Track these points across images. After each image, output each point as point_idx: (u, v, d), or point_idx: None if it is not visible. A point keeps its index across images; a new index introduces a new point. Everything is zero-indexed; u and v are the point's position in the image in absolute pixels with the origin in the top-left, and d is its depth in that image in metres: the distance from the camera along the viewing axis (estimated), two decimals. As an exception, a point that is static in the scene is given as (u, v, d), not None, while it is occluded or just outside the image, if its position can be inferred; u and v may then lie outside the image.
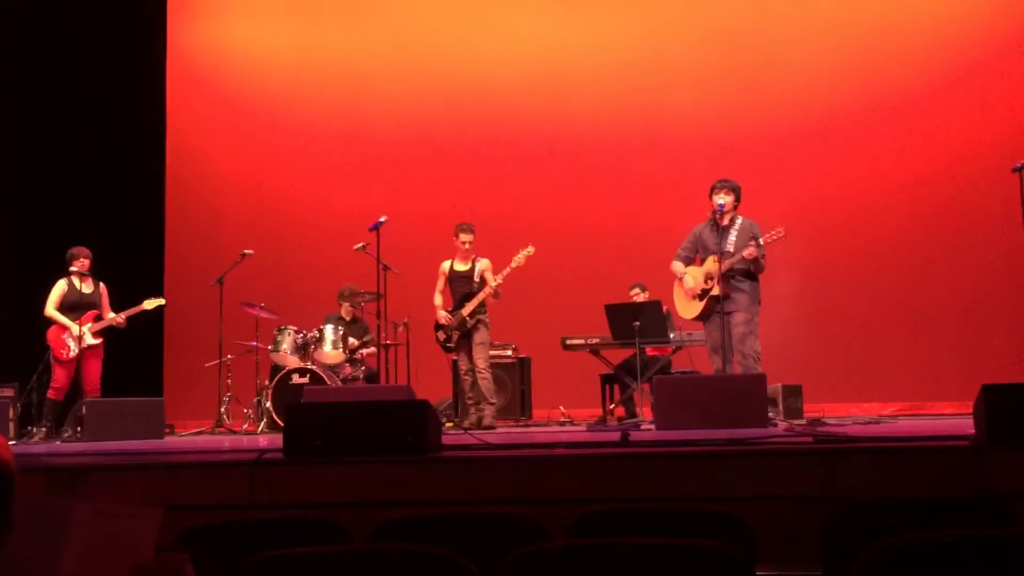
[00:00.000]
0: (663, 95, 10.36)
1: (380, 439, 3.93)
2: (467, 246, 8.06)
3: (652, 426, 6.10)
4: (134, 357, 9.32)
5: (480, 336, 7.97)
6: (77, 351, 8.02)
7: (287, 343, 8.60)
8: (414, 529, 2.61)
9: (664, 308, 7.76)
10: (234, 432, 8.55)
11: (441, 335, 8.12)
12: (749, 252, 6.63)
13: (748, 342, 6.72)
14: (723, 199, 6.88)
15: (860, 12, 10.10)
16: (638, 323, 7.42)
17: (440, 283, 8.21)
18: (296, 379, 8.37)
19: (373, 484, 3.75)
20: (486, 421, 7.77)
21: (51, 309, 8.12)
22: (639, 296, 8.65)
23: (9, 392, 8.34)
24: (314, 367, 8.41)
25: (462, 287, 8.06)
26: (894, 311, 9.53)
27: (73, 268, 8.19)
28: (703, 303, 6.89)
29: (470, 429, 7.25)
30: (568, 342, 8.37)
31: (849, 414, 8.06)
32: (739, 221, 6.91)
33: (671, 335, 7.93)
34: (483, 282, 7.97)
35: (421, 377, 8.54)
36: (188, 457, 4.74)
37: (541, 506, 3.23)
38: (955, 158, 9.66)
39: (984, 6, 9.90)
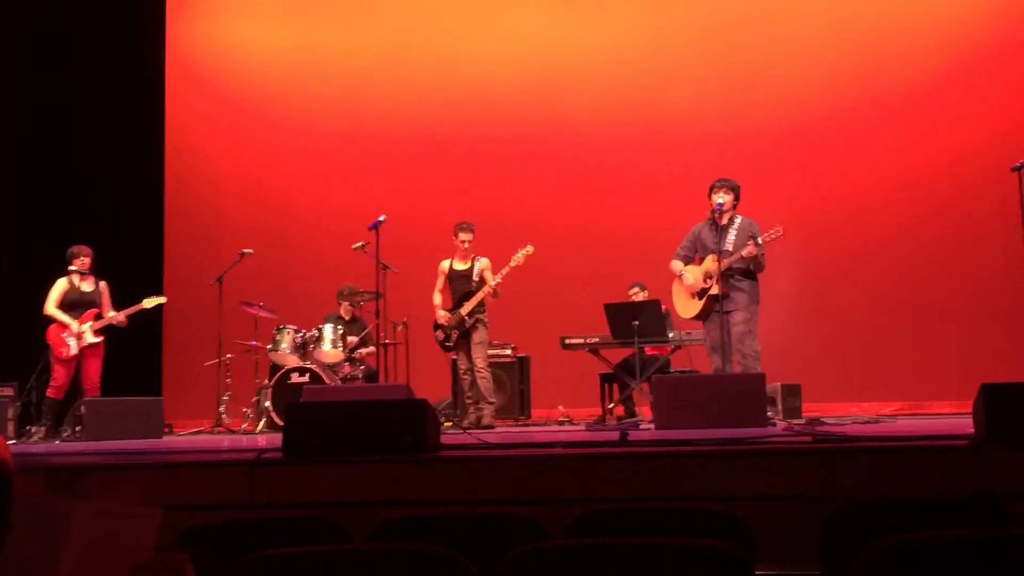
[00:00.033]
0: (662, 94, 10.37)
1: (379, 439, 3.93)
2: (466, 245, 8.06)
3: (651, 425, 6.10)
4: (133, 356, 9.33)
5: (479, 335, 7.97)
6: (77, 350, 8.02)
7: (286, 342, 8.60)
8: (413, 529, 2.61)
9: (663, 307, 7.76)
10: (233, 432, 8.56)
11: (440, 334, 8.12)
12: (748, 251, 6.63)
13: (747, 341, 6.72)
14: (722, 198, 6.88)
15: (859, 11, 10.11)
16: (637, 322, 7.42)
17: (439, 282, 8.21)
18: (295, 378, 8.37)
19: (372, 484, 3.75)
20: (485, 420, 7.77)
21: (51, 307, 8.12)
22: (638, 295, 8.65)
23: (8, 391, 8.35)
24: (313, 366, 8.41)
25: (461, 286, 8.06)
26: (893, 310, 9.54)
27: (73, 267, 8.19)
28: (702, 302, 6.89)
29: (469, 428, 7.26)
30: (567, 341, 8.37)
31: (848, 413, 8.07)
32: (738, 220, 6.91)
33: (670, 334, 7.93)
34: (482, 281, 7.97)
35: (420, 376, 8.54)
36: (187, 457, 4.74)
37: (540, 505, 3.23)
38: (954, 157, 9.67)
39: (983, 5, 9.91)
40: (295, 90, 11.14)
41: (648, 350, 8.16)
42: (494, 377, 8.21)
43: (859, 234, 9.72)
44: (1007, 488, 3.25)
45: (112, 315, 8.21)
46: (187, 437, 8.09)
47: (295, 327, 8.67)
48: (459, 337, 8.03)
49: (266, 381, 8.67)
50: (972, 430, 3.78)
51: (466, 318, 7.94)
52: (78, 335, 8.02)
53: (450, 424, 8.12)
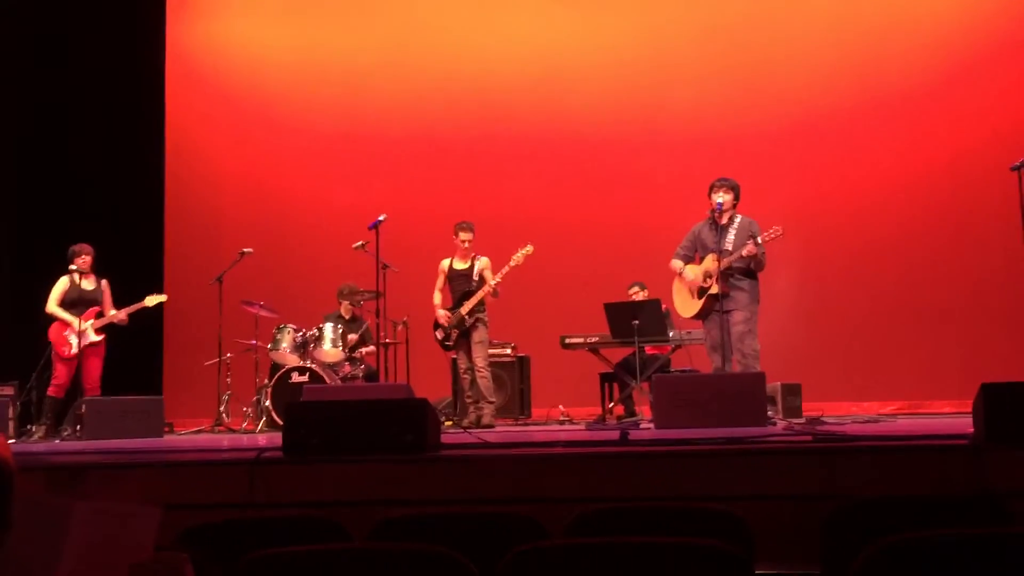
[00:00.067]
0: (662, 93, 10.36)
1: (379, 438, 3.93)
2: (466, 244, 8.07)
3: (651, 425, 6.10)
4: (133, 355, 9.33)
5: (479, 335, 7.97)
6: (79, 348, 8.02)
7: (286, 342, 8.60)
8: (413, 528, 2.61)
9: (663, 307, 7.76)
10: (233, 431, 8.56)
11: (439, 333, 8.12)
12: (748, 250, 6.63)
13: (747, 341, 6.72)
14: (722, 197, 6.88)
15: (859, 10, 10.10)
16: (637, 322, 7.42)
17: (439, 281, 8.22)
18: (295, 378, 8.37)
19: (372, 483, 3.76)
20: (485, 420, 7.78)
21: (52, 306, 8.13)
22: (638, 295, 8.65)
23: (9, 391, 8.36)
24: (313, 366, 8.41)
25: (461, 285, 8.06)
26: (893, 309, 9.53)
27: (74, 265, 8.20)
28: (702, 301, 6.89)
29: (469, 428, 7.26)
30: (567, 341, 8.37)
31: (848, 413, 8.06)
32: (738, 219, 6.92)
33: (670, 334, 7.93)
34: (482, 280, 7.98)
35: (420, 376, 8.54)
36: (187, 456, 4.74)
37: (540, 505, 3.23)
38: (954, 156, 9.67)
39: (983, 5, 9.90)
40: (295, 89, 11.14)
41: (648, 349, 8.16)
42: (494, 376, 8.21)
43: (859, 233, 9.72)
44: (1007, 487, 3.26)
45: (113, 313, 8.22)
46: (187, 436, 8.10)
47: (295, 326, 8.67)
48: (459, 336, 8.03)
49: (266, 380, 8.67)
50: (972, 429, 3.78)
51: (466, 317, 7.94)
52: (80, 333, 8.02)
53: (450, 423, 8.12)
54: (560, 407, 9.09)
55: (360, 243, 8.20)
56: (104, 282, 8.39)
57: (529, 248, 7.92)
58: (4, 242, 10.33)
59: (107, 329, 8.26)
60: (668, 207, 9.48)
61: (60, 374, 8.06)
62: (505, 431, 7.14)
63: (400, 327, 8.71)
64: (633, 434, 5.25)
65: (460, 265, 8.14)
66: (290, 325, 8.68)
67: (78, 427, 7.35)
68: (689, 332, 7.88)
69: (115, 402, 7.46)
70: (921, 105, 9.83)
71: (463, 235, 8.05)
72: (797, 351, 9.16)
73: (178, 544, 2.40)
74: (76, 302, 8.15)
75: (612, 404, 8.58)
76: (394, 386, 7.35)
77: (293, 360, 8.52)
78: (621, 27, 10.60)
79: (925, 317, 9.41)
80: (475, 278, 8.02)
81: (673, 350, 8.18)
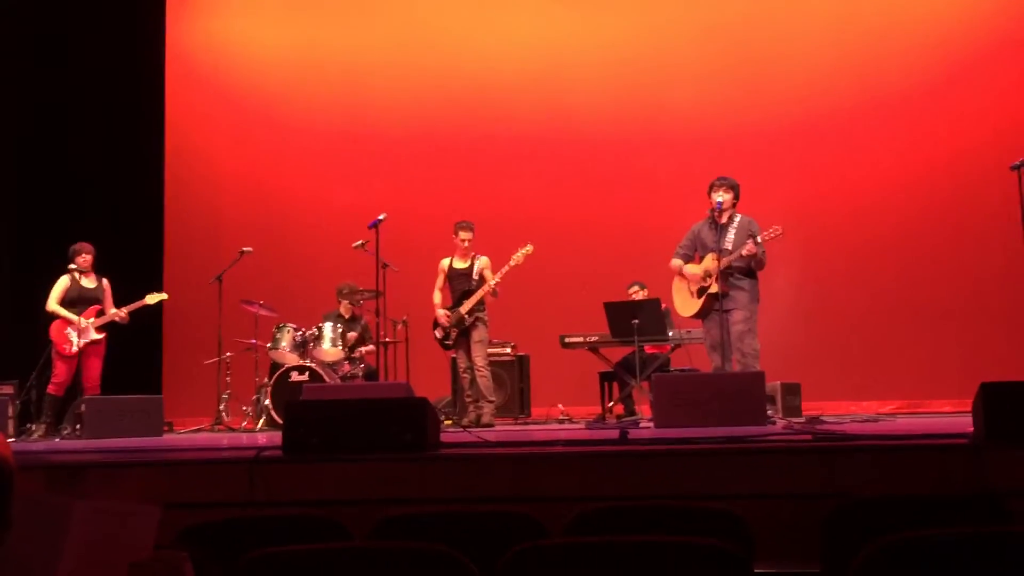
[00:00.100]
0: (662, 93, 10.36)
1: (379, 437, 3.93)
2: (466, 244, 8.07)
3: (651, 424, 6.10)
4: (133, 354, 9.33)
5: (479, 334, 7.97)
6: (80, 345, 8.03)
7: (286, 341, 8.60)
8: (413, 527, 2.61)
9: (663, 306, 7.76)
10: (233, 430, 8.56)
11: (439, 332, 8.13)
12: (748, 249, 6.62)
13: (747, 340, 6.72)
14: (722, 197, 6.88)
15: (859, 10, 10.10)
16: (637, 321, 7.42)
17: (439, 280, 8.22)
18: (295, 377, 8.37)
19: (372, 482, 3.76)
20: (485, 419, 7.78)
21: (53, 304, 8.14)
22: (638, 294, 8.66)
23: (8, 389, 8.36)
24: (313, 365, 8.41)
25: (461, 285, 8.07)
26: (893, 309, 9.54)
27: (75, 264, 8.21)
28: (702, 300, 6.88)
29: (469, 427, 7.26)
30: (567, 340, 8.37)
31: (848, 412, 8.07)
32: (737, 219, 6.91)
33: (670, 333, 7.93)
34: (482, 280, 7.98)
35: (420, 375, 8.54)
36: (187, 455, 4.74)
37: (540, 504, 3.23)
38: (954, 156, 9.67)
39: (983, 5, 9.90)
40: (295, 88, 11.14)
41: (648, 349, 8.17)
42: (494, 375, 8.21)
43: (859, 233, 9.72)
44: (1006, 486, 3.26)
45: (114, 311, 8.23)
46: (187, 435, 8.10)
47: (295, 325, 8.67)
48: (459, 335, 8.03)
49: (266, 379, 8.67)
50: (971, 429, 3.78)
51: (466, 316, 7.94)
52: (82, 330, 8.03)
53: (450, 422, 8.12)
54: (560, 406, 9.10)
55: (360, 242, 8.20)
56: (105, 281, 8.40)
57: (529, 248, 7.92)
58: (4, 242, 10.33)
59: (107, 328, 8.26)
60: (668, 207, 9.48)
61: (60, 372, 8.07)
62: (505, 430, 7.14)
63: (400, 326, 8.71)
64: (633, 433, 5.26)
65: (460, 264, 8.14)
66: (290, 324, 8.68)
67: (78, 426, 7.35)
68: (689, 331, 7.88)
69: (115, 401, 7.46)
70: (921, 105, 9.83)
71: (463, 234, 8.05)
72: (797, 350, 9.16)
73: (178, 543, 2.40)
74: (77, 300, 8.16)
75: (612, 403, 8.59)
76: (394, 385, 7.35)
77: (293, 359, 8.53)
78: (621, 27, 10.60)
79: (925, 316, 9.42)
80: (475, 277, 8.02)
81: (673, 349, 8.18)
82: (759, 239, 6.68)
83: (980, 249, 9.34)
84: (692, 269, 7.00)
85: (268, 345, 8.69)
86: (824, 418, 6.56)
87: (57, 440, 7.57)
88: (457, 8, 11.03)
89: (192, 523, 2.65)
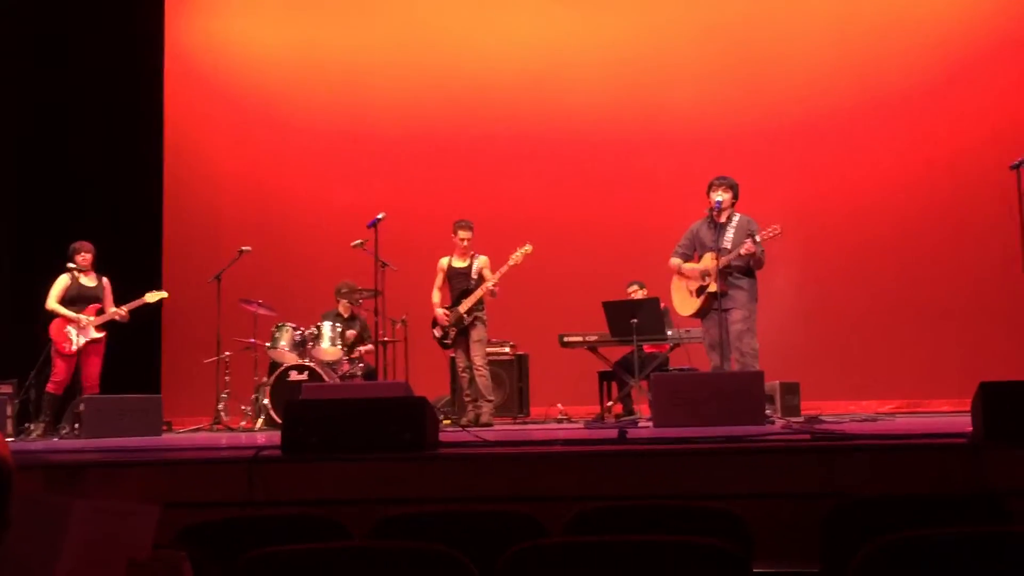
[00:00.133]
0: (662, 92, 10.36)
1: (378, 436, 3.93)
2: (465, 243, 8.07)
3: (650, 423, 6.10)
4: (132, 354, 9.33)
5: (477, 333, 7.97)
6: (80, 344, 8.03)
7: (285, 340, 8.60)
8: (412, 526, 2.61)
9: (662, 305, 7.76)
10: (232, 429, 8.56)
11: (437, 331, 8.13)
12: (747, 248, 6.62)
13: (746, 339, 6.72)
14: (721, 196, 6.88)
15: (859, 9, 10.11)
16: (636, 320, 7.42)
17: (438, 280, 8.22)
18: (294, 376, 8.36)
19: (371, 481, 3.75)
20: (484, 418, 7.78)
21: (53, 302, 8.13)
22: (637, 293, 8.66)
23: (7, 389, 8.36)
24: (312, 364, 8.41)
25: (460, 284, 8.07)
26: (892, 308, 9.54)
27: (75, 263, 8.20)
28: (701, 300, 6.88)
29: (468, 426, 7.26)
30: (566, 339, 8.37)
31: (847, 411, 8.07)
32: (736, 218, 6.91)
33: (669, 332, 7.94)
34: (481, 279, 7.98)
35: (419, 374, 8.55)
36: (186, 454, 4.74)
37: (539, 503, 3.23)
38: (954, 156, 9.67)
39: (983, 4, 9.90)
40: (294, 88, 11.13)
41: (647, 348, 8.17)
42: (493, 375, 8.21)
43: (858, 232, 9.72)
44: (1005, 486, 3.25)
45: (114, 310, 8.22)
46: (186, 434, 8.10)
47: (294, 325, 8.67)
48: (458, 335, 8.03)
49: (265, 378, 8.67)
50: (971, 428, 3.78)
51: (465, 316, 7.94)
52: (82, 328, 8.03)
53: (449, 422, 8.12)
54: (559, 405, 9.10)
55: (359, 241, 8.19)
56: (105, 279, 8.39)
57: (528, 247, 7.92)
58: (4, 242, 10.33)
59: (106, 327, 8.26)
60: (668, 206, 9.47)
61: (60, 371, 8.07)
62: (504, 429, 7.15)
63: (399, 325, 8.71)
64: (631, 433, 5.26)
65: (459, 263, 8.14)
66: (289, 323, 8.68)
67: (76, 425, 7.35)
68: (688, 331, 7.88)
69: (114, 400, 7.46)
70: (921, 105, 9.83)
71: (462, 233, 8.05)
72: (796, 350, 9.16)
73: (177, 542, 2.40)
74: (76, 299, 8.15)
75: (611, 403, 8.59)
76: (393, 384, 7.35)
77: (292, 358, 8.52)
78: (621, 26, 10.60)
79: (924, 316, 9.42)
80: (474, 276, 8.03)
81: (672, 349, 8.18)
82: (758, 238, 6.68)
83: (980, 249, 9.34)
84: (691, 268, 7.00)
85: (267, 344, 8.69)
86: (823, 418, 6.55)
87: (56, 439, 7.57)
88: (457, 8, 11.03)
89: (191, 522, 2.65)
